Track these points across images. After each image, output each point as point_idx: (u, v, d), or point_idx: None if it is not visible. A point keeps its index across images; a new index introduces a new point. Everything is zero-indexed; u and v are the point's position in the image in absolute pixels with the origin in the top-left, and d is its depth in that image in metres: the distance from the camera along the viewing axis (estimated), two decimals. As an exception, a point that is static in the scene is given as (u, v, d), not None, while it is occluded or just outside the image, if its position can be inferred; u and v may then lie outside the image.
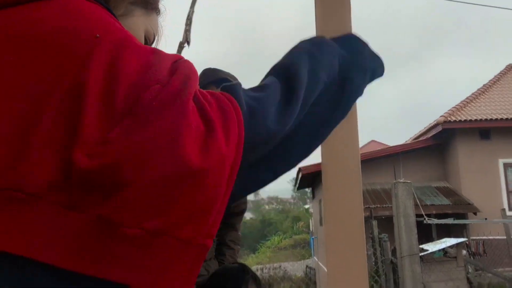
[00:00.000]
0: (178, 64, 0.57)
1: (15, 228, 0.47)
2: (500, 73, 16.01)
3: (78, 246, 0.48)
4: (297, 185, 19.08)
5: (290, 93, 0.64)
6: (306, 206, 46.00)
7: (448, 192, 13.27)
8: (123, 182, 0.48)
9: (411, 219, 5.18)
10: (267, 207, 58.77)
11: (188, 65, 0.58)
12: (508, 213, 11.73)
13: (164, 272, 0.50)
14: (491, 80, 15.71)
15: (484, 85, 15.42)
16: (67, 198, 0.48)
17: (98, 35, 0.53)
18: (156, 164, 0.49)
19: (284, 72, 0.67)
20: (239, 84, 0.62)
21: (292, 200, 55.98)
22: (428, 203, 12.04)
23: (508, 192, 13.02)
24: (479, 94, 14.79)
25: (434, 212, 11.37)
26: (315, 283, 13.19)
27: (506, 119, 13.06)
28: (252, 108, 0.59)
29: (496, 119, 12.96)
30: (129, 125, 0.50)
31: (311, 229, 26.92)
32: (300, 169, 14.36)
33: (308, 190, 42.13)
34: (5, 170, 0.48)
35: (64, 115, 0.50)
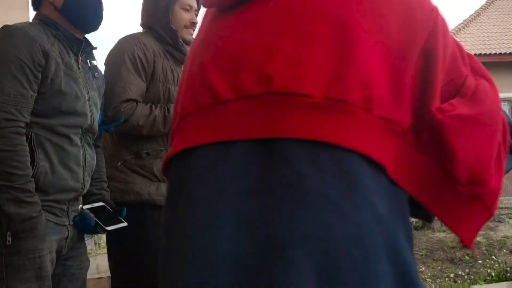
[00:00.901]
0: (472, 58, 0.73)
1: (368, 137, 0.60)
2: (481, 7, 15.69)
3: (420, 178, 0.62)
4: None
5: None
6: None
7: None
8: (460, 145, 0.61)
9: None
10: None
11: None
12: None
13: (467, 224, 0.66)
14: (471, 15, 15.42)
15: (464, 20, 15.14)
16: (414, 138, 0.62)
17: (433, 9, 0.68)
18: (483, 139, 0.63)
19: None
20: None
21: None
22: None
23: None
24: (460, 29, 14.53)
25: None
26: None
27: (485, 54, 12.96)
28: None
29: (475, 54, 12.72)
30: (465, 99, 0.64)
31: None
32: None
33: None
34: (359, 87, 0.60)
35: (417, 68, 0.63)
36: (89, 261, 1.54)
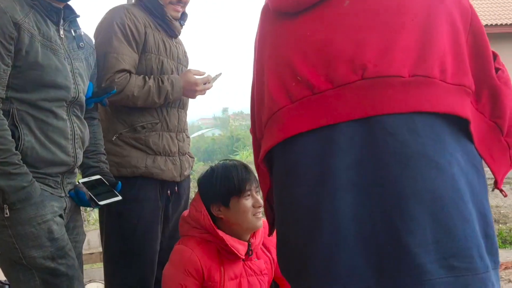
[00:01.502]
0: None
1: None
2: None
3: (478, 132, 0.79)
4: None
5: None
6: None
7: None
8: (508, 105, 0.83)
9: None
10: (234, 123, 59.20)
11: None
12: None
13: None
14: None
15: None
16: (475, 99, 0.80)
17: None
18: None
19: None
20: None
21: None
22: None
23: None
24: None
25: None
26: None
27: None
28: None
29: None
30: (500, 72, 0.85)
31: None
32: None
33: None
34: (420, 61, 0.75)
35: (468, 44, 0.81)
36: (85, 235, 1.53)
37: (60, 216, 1.33)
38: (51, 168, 1.31)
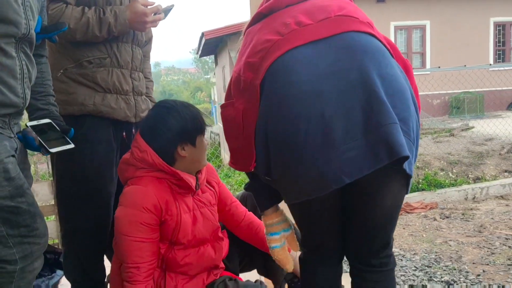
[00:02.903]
0: None
1: None
2: None
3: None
4: (200, 52, 18.36)
5: None
6: (207, 76, 45.79)
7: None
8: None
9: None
10: (166, 78, 57.47)
11: None
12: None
13: None
14: None
15: None
16: None
17: None
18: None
19: None
20: None
21: (192, 71, 55.00)
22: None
23: (398, 53, 13.90)
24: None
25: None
26: (219, 144, 13.77)
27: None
28: None
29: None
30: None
31: (212, 98, 27.04)
32: (203, 34, 13.66)
33: (209, 59, 41.55)
34: None
35: None
36: (32, 178, 1.46)
37: (13, 156, 1.24)
38: None
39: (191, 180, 1.56)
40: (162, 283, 1.58)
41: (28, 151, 1.40)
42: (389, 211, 1.23)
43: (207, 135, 1.65)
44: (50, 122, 1.40)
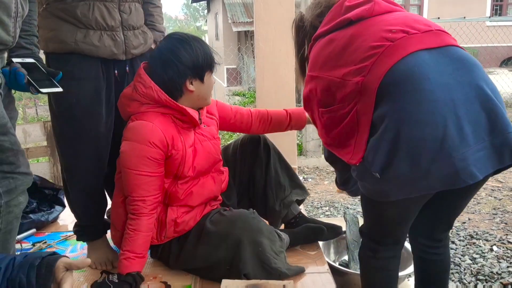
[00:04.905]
0: None
1: None
2: None
3: None
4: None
5: None
6: (198, 24, 44.69)
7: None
8: None
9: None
10: (156, 25, 55.88)
11: None
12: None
13: None
14: None
15: None
16: None
17: None
18: None
19: None
20: None
21: (181, 18, 53.55)
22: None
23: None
24: None
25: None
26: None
27: None
28: None
29: None
30: None
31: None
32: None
33: (199, 6, 40.39)
34: None
35: None
36: (17, 111, 1.44)
37: None
38: None
39: (195, 115, 1.57)
40: (163, 217, 1.62)
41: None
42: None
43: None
44: (35, 63, 1.35)
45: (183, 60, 1.51)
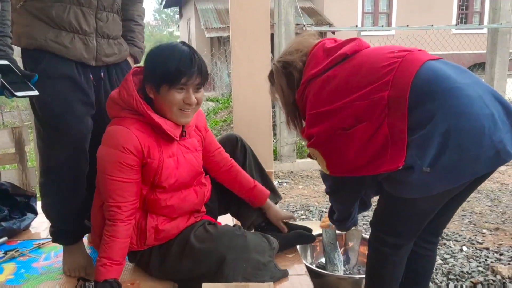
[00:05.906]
0: None
1: None
2: None
3: None
4: (163, 3, 17.71)
5: None
6: (170, 30, 44.39)
7: (311, 12, 13.79)
8: None
9: (291, 27, 5.13)
10: (127, 30, 55.19)
11: None
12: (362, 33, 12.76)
13: None
14: None
15: None
16: None
17: None
18: None
19: None
20: None
21: (153, 23, 53.07)
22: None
23: (363, 13, 14.11)
24: None
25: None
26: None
27: None
28: None
29: None
30: None
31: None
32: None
33: (171, 12, 40.11)
34: None
35: None
36: None
37: None
38: None
39: (174, 131, 1.54)
40: (143, 223, 1.60)
41: None
42: None
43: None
44: (9, 65, 1.31)
45: (149, 64, 1.52)
